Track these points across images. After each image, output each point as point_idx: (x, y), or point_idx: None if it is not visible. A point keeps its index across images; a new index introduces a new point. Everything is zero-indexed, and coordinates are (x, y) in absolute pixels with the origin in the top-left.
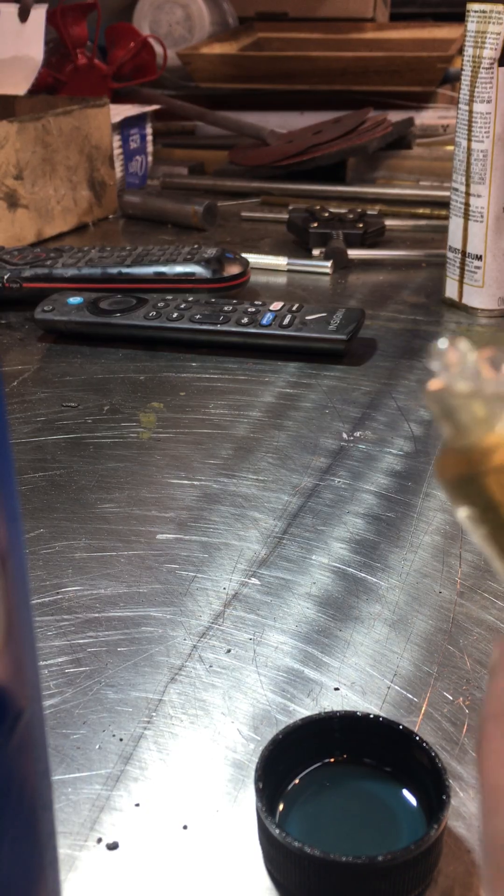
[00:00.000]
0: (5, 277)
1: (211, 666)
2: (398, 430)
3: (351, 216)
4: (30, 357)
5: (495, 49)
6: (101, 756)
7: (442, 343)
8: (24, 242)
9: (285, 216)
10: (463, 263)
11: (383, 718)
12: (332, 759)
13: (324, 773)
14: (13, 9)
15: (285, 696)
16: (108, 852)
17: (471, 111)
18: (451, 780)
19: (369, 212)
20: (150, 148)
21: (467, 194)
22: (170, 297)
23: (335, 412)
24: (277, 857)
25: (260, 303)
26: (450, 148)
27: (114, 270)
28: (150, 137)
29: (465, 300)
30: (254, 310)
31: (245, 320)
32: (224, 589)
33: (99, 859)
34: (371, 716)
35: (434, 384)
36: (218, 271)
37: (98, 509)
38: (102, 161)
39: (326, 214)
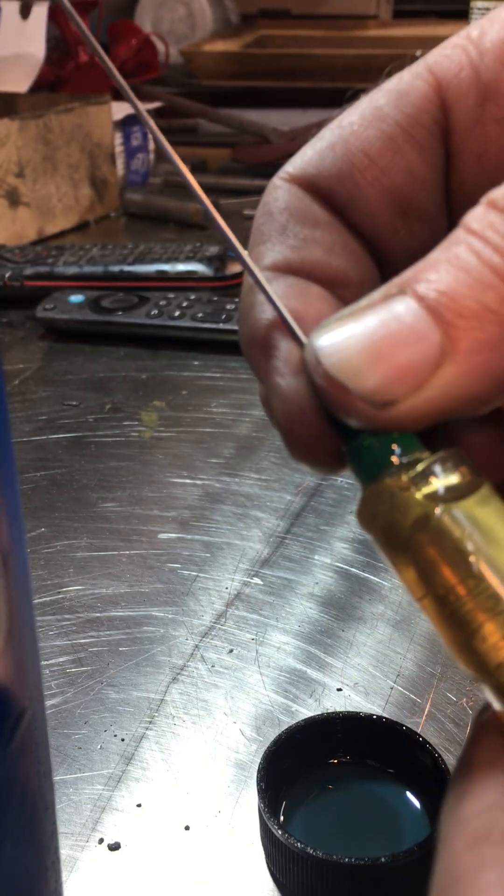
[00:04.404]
0: (6, 275)
1: (213, 666)
2: None
3: None
4: (31, 356)
5: None
6: (103, 756)
7: None
8: (26, 240)
9: None
10: None
11: (386, 719)
12: (334, 760)
13: (326, 774)
14: (15, 6)
15: (288, 697)
16: (109, 853)
17: None
18: None
19: None
20: (151, 145)
21: None
22: (172, 296)
23: None
24: (280, 858)
25: None
26: None
27: (115, 268)
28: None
29: None
30: None
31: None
32: (226, 588)
33: (100, 860)
34: (374, 717)
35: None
36: (220, 269)
37: (99, 508)
38: (104, 159)
39: None
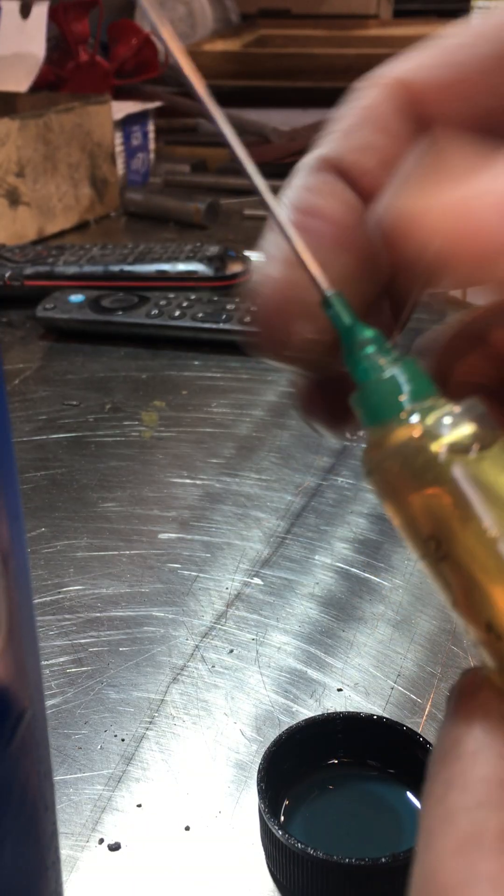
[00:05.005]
0: (7, 275)
1: (213, 666)
2: None
3: None
4: (31, 355)
5: None
6: (103, 756)
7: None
8: (26, 240)
9: None
10: None
11: (387, 719)
12: (335, 761)
13: (327, 775)
14: (15, 5)
15: (288, 697)
16: (109, 853)
17: None
18: None
19: None
20: (152, 145)
21: None
22: (172, 296)
23: None
24: (280, 859)
25: None
26: None
27: (115, 268)
28: (151, 135)
29: (468, 297)
30: None
31: (247, 319)
32: (226, 589)
33: (101, 860)
34: (374, 717)
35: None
36: (220, 269)
37: (100, 508)
38: (104, 158)
39: None
